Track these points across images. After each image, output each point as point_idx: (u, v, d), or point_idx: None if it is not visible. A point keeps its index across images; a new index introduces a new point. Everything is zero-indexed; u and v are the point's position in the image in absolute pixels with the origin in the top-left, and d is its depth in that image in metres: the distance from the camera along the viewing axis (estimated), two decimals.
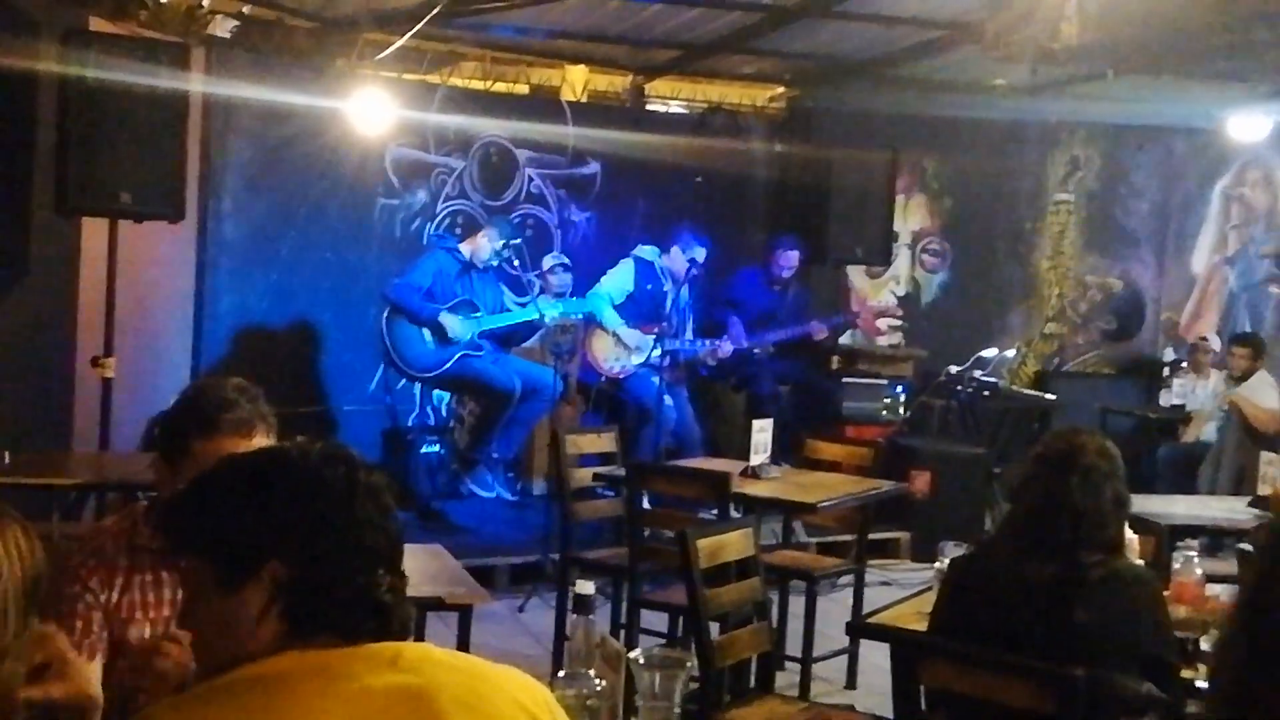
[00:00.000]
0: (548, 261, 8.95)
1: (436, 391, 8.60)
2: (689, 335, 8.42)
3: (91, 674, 2.55)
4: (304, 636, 1.67)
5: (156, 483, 2.75)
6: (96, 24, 7.04)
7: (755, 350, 8.46)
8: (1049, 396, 9.39)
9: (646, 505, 6.14)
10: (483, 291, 7.95)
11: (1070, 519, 3.17)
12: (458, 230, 8.69)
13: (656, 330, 8.02)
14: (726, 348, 8.36)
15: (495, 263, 8.03)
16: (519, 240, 8.40)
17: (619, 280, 8.36)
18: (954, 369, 8.66)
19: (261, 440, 2.61)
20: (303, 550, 1.69)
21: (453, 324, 7.73)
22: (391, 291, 7.81)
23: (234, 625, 1.69)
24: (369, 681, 1.61)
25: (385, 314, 7.79)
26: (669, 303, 8.29)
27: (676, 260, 8.26)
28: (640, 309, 8.29)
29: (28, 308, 6.82)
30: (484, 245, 7.94)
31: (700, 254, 8.22)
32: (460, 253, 7.94)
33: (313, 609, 1.68)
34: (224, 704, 1.60)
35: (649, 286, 8.31)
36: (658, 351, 7.88)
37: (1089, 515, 3.17)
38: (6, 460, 5.09)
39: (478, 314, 7.86)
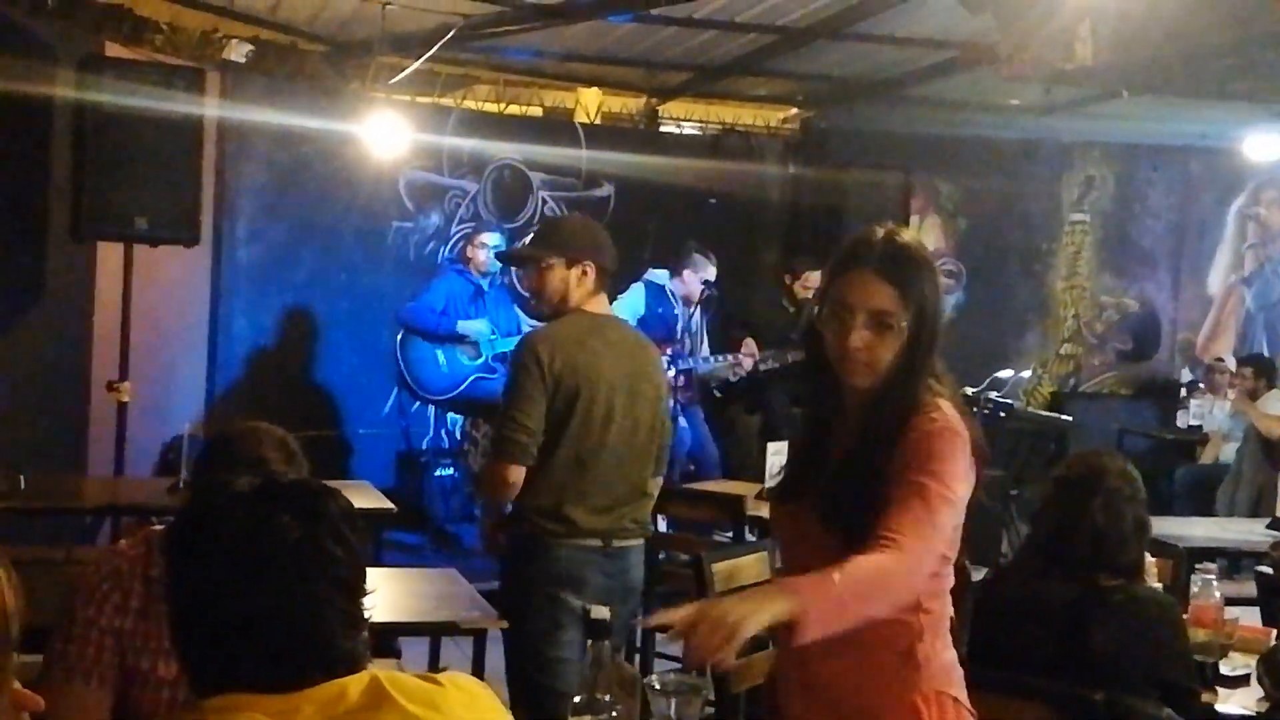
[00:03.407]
0: None
1: (450, 414, 8.60)
2: (704, 353, 8.40)
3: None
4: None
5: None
6: (112, 49, 7.07)
7: (777, 364, 8.41)
8: (1065, 418, 9.35)
9: (661, 528, 6.12)
10: (496, 313, 7.95)
11: (1091, 541, 3.15)
12: None
13: (668, 351, 8.01)
14: (747, 362, 8.35)
15: (497, 269, 8.02)
16: None
17: (630, 303, 8.36)
18: (969, 390, 8.61)
19: None
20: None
21: (472, 328, 7.74)
22: (404, 314, 7.83)
23: None
24: None
25: (399, 337, 7.80)
26: (680, 325, 8.27)
27: (689, 283, 8.25)
28: (651, 332, 8.27)
29: (43, 332, 6.83)
30: (481, 251, 7.94)
31: (712, 273, 8.22)
32: (471, 274, 7.96)
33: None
34: None
35: (659, 310, 8.31)
36: (670, 372, 7.86)
37: (1110, 538, 3.15)
38: (22, 484, 5.09)
39: (493, 336, 7.86)
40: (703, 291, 8.24)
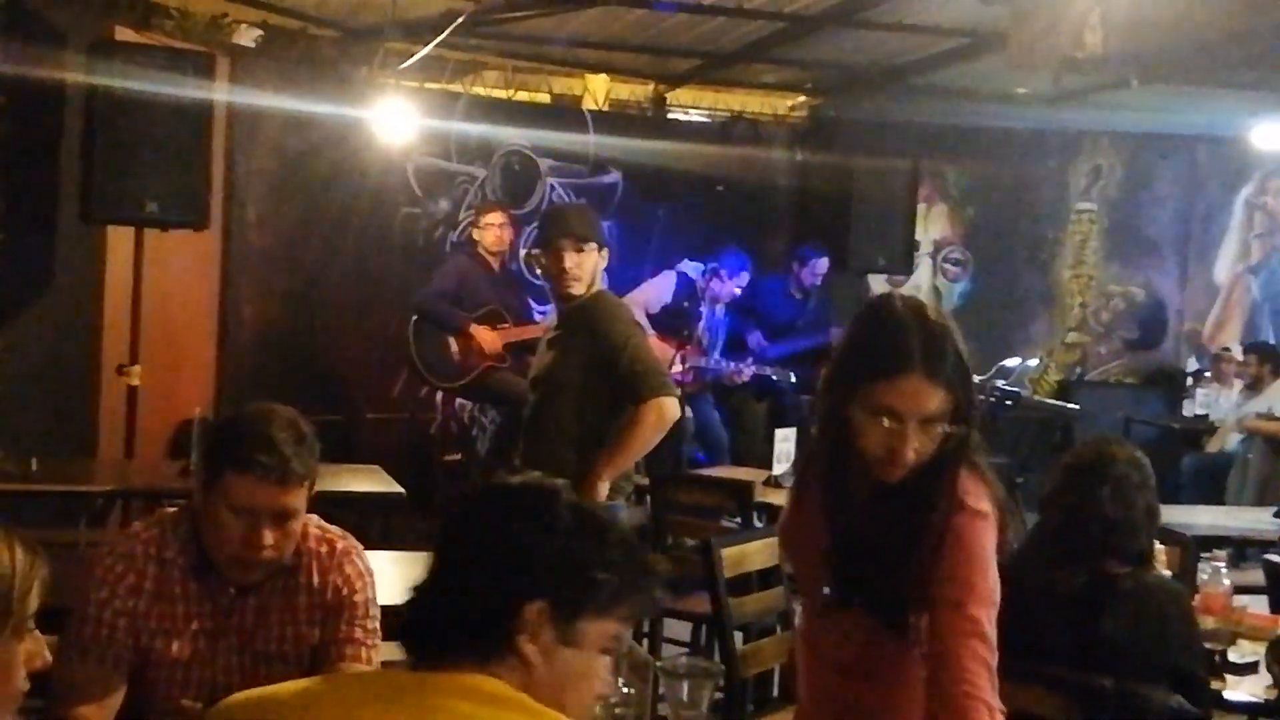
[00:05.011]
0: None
1: (458, 400, 8.60)
2: (718, 355, 8.42)
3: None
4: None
5: (191, 490, 2.73)
6: (122, 34, 7.06)
7: (775, 377, 8.43)
8: (1072, 406, 9.35)
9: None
10: (509, 299, 7.94)
11: (1101, 529, 3.16)
12: None
13: (676, 344, 8.00)
14: (748, 371, 8.35)
15: (504, 249, 7.98)
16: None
17: (658, 291, 8.35)
18: (976, 379, 8.59)
19: (295, 495, 2.54)
20: None
21: (483, 336, 7.71)
22: (419, 300, 7.81)
23: None
24: None
25: (411, 321, 7.80)
26: (701, 322, 8.29)
27: (724, 288, 8.29)
28: (671, 323, 8.26)
29: (54, 316, 6.85)
30: (489, 230, 7.88)
31: (745, 279, 8.28)
32: (482, 255, 7.93)
33: None
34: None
35: (686, 303, 8.30)
36: (677, 366, 7.86)
37: (1120, 525, 3.15)
38: (34, 468, 5.10)
39: (505, 324, 7.85)
40: (733, 296, 8.33)
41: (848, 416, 2.30)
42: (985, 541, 2.28)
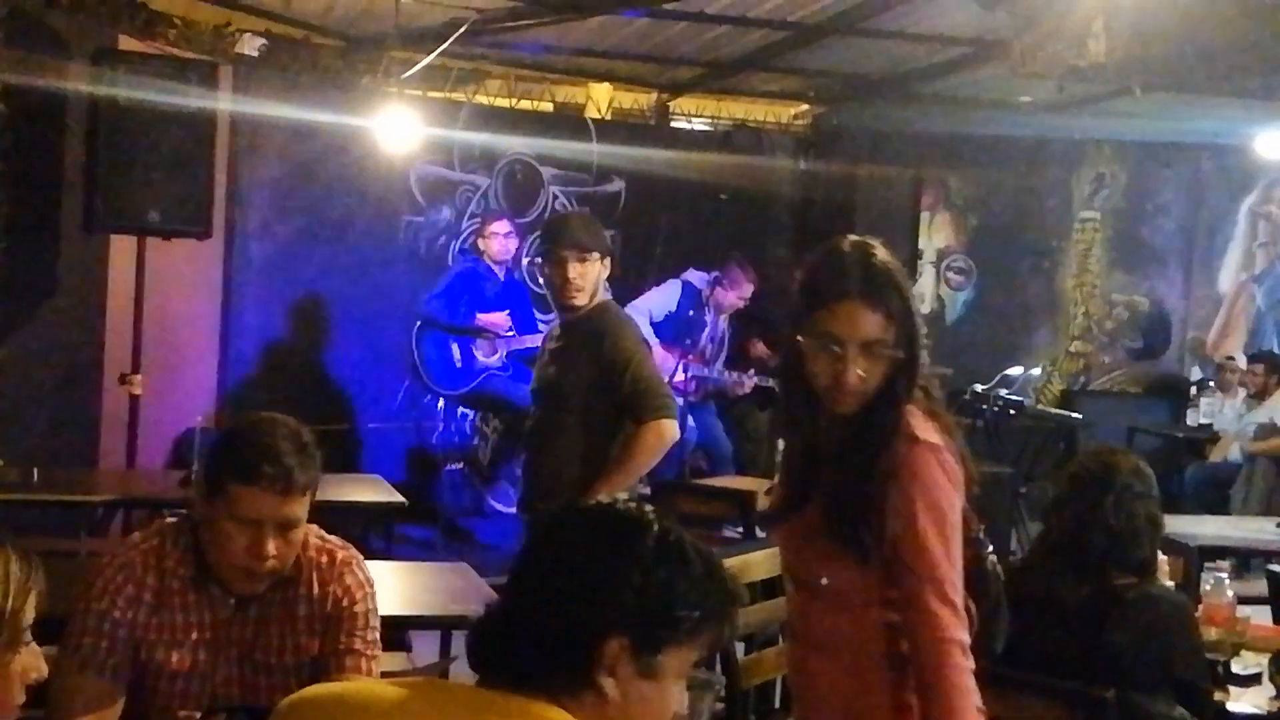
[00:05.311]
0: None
1: (461, 409, 8.60)
2: (720, 366, 8.41)
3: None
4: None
5: (190, 503, 2.72)
6: (126, 43, 7.08)
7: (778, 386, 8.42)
8: (1075, 415, 9.33)
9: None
10: (511, 304, 7.93)
11: (1104, 538, 3.15)
12: None
13: (680, 353, 8.00)
14: (749, 383, 8.34)
15: (509, 258, 7.97)
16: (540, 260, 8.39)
17: (664, 299, 8.34)
18: (979, 387, 8.60)
19: (297, 504, 2.53)
20: None
21: (491, 321, 7.71)
22: (423, 307, 7.81)
23: None
24: None
25: (416, 330, 7.80)
26: (705, 332, 8.28)
27: (728, 297, 8.29)
28: (675, 332, 8.26)
29: (56, 325, 6.85)
30: (494, 239, 7.87)
31: (749, 291, 8.27)
32: (486, 264, 7.93)
33: None
34: None
35: (690, 312, 8.30)
36: (680, 375, 7.85)
37: (1123, 535, 3.15)
38: (35, 477, 5.10)
39: (511, 332, 7.85)
40: (737, 306, 8.34)
41: (801, 352, 2.37)
42: (937, 474, 2.31)
